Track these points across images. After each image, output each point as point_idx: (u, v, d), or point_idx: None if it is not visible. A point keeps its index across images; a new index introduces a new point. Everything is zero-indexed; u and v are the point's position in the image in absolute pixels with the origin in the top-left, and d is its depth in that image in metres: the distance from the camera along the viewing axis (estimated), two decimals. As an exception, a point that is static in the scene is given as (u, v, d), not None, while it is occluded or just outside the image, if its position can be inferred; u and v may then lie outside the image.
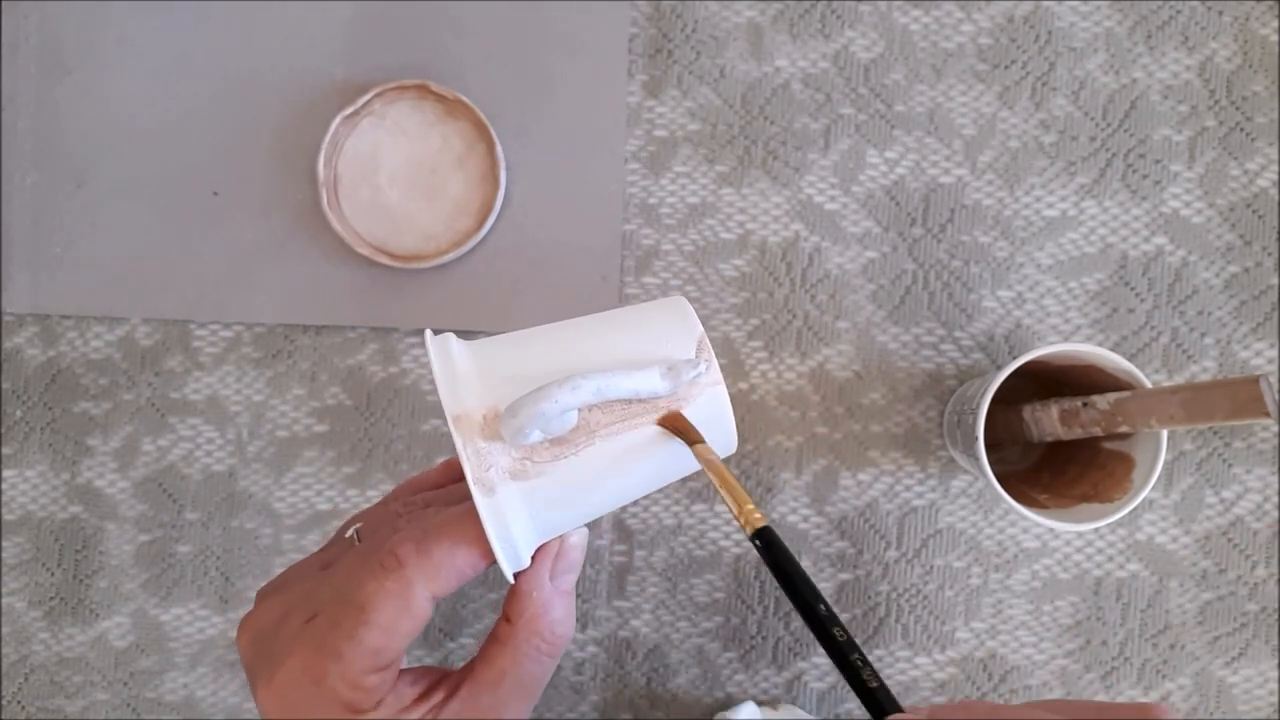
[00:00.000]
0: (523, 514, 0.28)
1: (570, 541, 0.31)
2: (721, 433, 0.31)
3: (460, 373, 0.29)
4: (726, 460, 0.30)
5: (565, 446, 0.28)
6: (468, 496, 0.28)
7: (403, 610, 0.28)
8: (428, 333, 0.31)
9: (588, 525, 0.31)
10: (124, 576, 0.48)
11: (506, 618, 0.30)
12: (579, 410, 0.28)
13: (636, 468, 0.30)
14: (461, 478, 0.31)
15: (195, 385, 0.49)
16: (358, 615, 0.27)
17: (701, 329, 0.31)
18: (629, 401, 0.29)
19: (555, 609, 0.30)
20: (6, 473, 0.49)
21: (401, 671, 0.29)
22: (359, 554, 0.30)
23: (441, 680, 0.30)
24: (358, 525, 0.33)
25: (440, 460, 0.39)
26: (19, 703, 0.48)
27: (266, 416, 0.49)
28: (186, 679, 0.48)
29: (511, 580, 0.30)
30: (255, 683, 0.28)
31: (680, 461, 0.31)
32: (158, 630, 0.48)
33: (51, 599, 0.49)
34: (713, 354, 0.30)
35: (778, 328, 0.48)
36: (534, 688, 0.31)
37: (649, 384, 0.28)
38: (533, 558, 0.30)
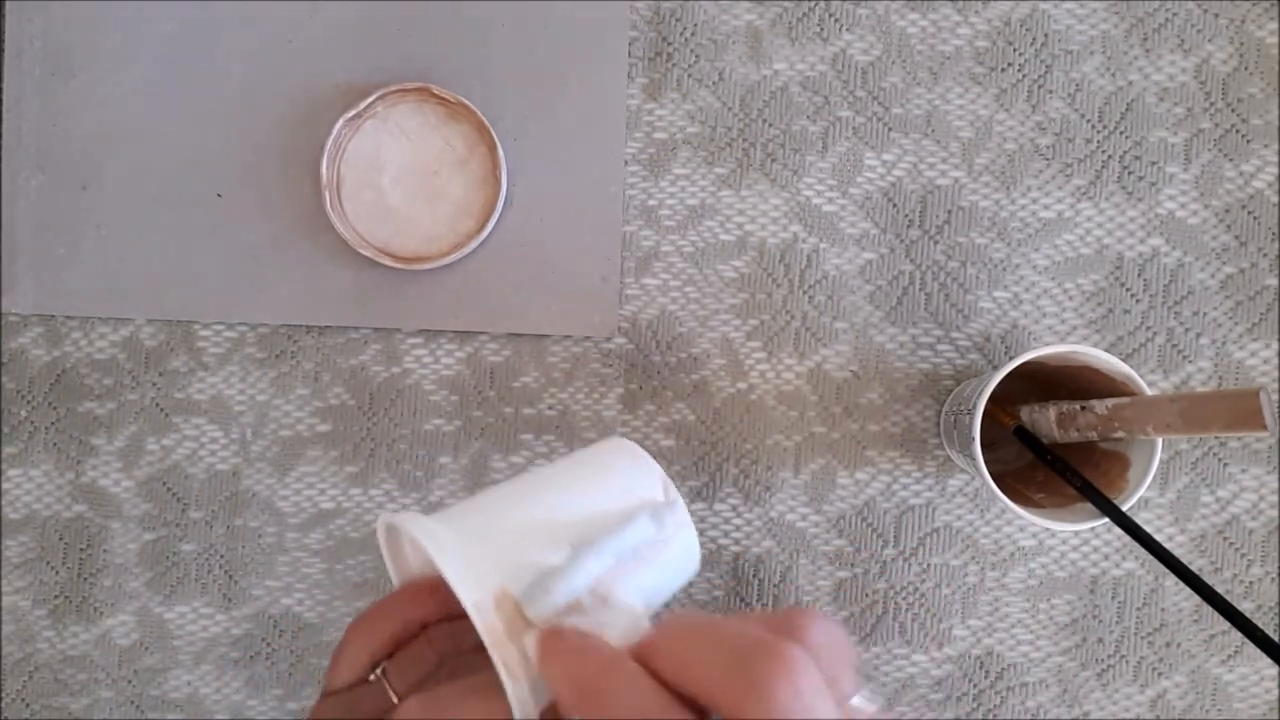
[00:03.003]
0: (542, 688, 0.28)
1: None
2: (692, 561, 0.33)
3: (460, 559, 0.28)
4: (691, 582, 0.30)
5: (577, 613, 0.28)
6: (478, 645, 0.28)
7: None
8: (413, 525, 0.30)
9: None
10: (128, 575, 0.49)
11: None
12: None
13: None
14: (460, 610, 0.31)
15: (199, 385, 0.49)
16: None
17: (659, 468, 0.33)
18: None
19: None
20: (11, 472, 0.49)
21: None
22: None
23: None
24: (383, 666, 0.33)
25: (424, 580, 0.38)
26: (23, 700, 0.49)
27: (270, 416, 0.49)
28: (190, 676, 0.49)
29: None
30: None
31: (666, 588, 0.32)
32: (161, 628, 0.49)
33: (56, 597, 0.49)
34: (678, 493, 0.33)
35: (776, 328, 0.49)
36: None
37: (645, 532, 0.30)
38: None
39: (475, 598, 0.27)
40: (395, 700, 0.33)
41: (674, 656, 0.25)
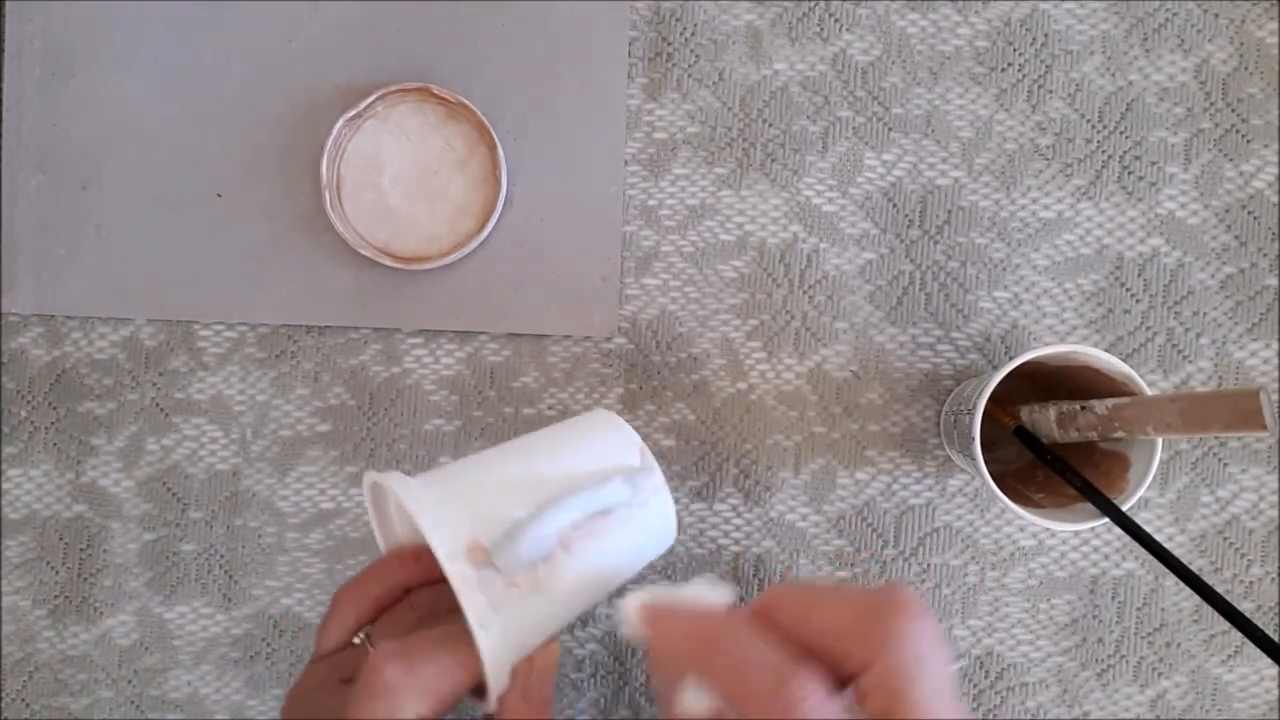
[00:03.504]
0: (512, 640, 0.29)
1: (539, 663, 0.32)
2: (668, 527, 0.35)
3: (436, 512, 0.29)
4: (670, 551, 0.32)
5: (546, 566, 0.30)
6: (455, 606, 0.29)
7: None
8: (393, 481, 0.30)
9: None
10: (128, 575, 0.49)
11: None
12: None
13: (607, 573, 0.32)
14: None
15: (199, 385, 0.49)
16: None
17: (639, 437, 0.34)
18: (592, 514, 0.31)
19: None
20: (11, 472, 0.49)
21: None
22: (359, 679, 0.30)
23: None
24: (367, 631, 0.34)
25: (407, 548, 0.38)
26: (23, 700, 0.49)
27: (270, 416, 0.49)
28: (190, 676, 0.49)
29: (493, 708, 0.31)
30: None
31: (642, 553, 0.34)
32: (161, 628, 0.49)
33: (56, 598, 0.49)
34: (654, 460, 0.34)
35: (776, 328, 0.49)
36: None
37: (618, 494, 0.31)
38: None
39: (447, 547, 0.28)
40: None
41: (798, 610, 0.26)
